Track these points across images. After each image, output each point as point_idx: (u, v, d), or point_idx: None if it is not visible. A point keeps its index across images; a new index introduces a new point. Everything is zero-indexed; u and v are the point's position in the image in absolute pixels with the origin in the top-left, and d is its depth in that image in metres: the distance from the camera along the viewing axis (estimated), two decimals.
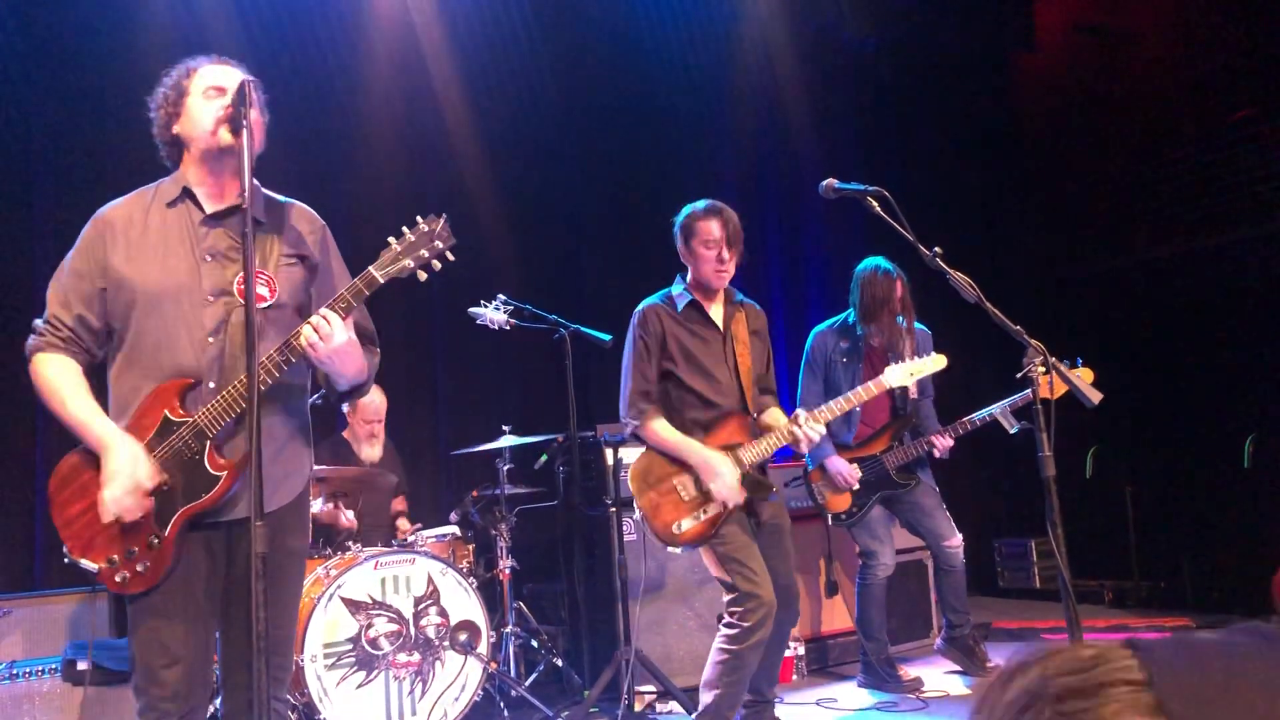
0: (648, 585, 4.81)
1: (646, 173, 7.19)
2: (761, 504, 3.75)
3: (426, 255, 2.39)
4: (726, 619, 3.56)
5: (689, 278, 3.85)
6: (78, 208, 2.60)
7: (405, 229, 2.40)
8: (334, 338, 2.33)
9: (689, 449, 3.60)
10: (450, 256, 2.42)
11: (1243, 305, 6.62)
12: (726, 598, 3.57)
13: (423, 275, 2.42)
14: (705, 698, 3.58)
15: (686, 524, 3.57)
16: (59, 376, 2.41)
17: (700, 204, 3.82)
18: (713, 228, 3.73)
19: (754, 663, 3.56)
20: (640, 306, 3.86)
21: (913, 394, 4.77)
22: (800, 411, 3.68)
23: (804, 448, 3.66)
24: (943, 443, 4.66)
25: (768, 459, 3.73)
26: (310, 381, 2.71)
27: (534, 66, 6.78)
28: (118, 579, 2.33)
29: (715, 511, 3.56)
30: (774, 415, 3.84)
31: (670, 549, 3.71)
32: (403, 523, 5.39)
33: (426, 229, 2.39)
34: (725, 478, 3.54)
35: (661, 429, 3.66)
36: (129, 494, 2.27)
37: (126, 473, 2.28)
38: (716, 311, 3.84)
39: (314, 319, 2.34)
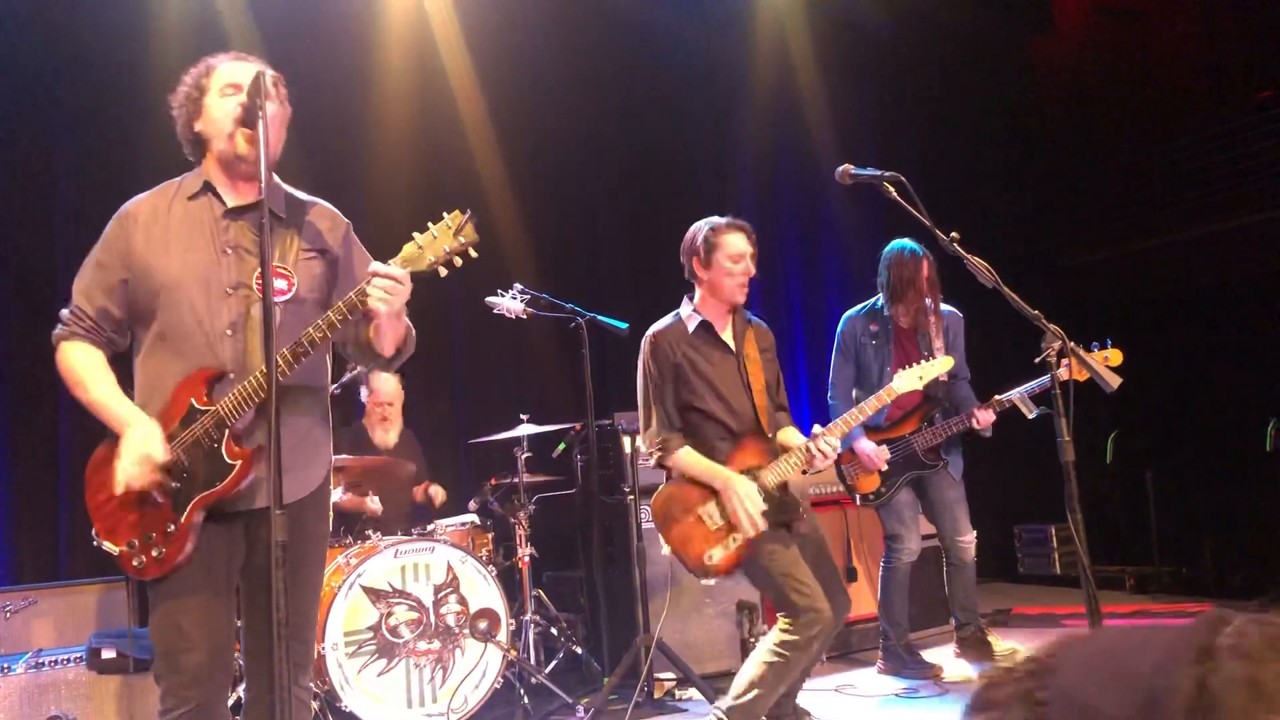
0: (666, 573, 4.82)
1: (662, 161, 7.18)
2: (795, 520, 3.68)
3: (448, 251, 2.35)
4: (784, 625, 3.48)
5: (698, 297, 3.77)
6: (99, 205, 2.63)
7: (429, 224, 2.36)
8: (403, 291, 2.34)
9: (715, 473, 3.54)
10: (473, 254, 2.37)
11: (1265, 288, 6.56)
12: (782, 613, 3.50)
13: (443, 272, 2.38)
14: (746, 695, 3.49)
15: (718, 554, 3.50)
16: (82, 363, 2.45)
17: (718, 220, 3.72)
18: (740, 242, 3.65)
19: (803, 667, 3.56)
20: (650, 333, 3.78)
21: (942, 377, 4.76)
22: (816, 427, 3.63)
23: (819, 464, 3.57)
24: (984, 416, 4.63)
25: (788, 480, 3.63)
26: (330, 372, 2.72)
27: (549, 55, 6.77)
28: (135, 563, 2.37)
29: (744, 539, 3.49)
30: (788, 435, 3.77)
31: (704, 581, 3.65)
32: (435, 490, 5.39)
33: (450, 224, 2.35)
34: (746, 504, 3.45)
35: (687, 457, 3.59)
36: (136, 464, 2.31)
37: (137, 445, 2.32)
38: (727, 332, 3.77)
39: (379, 280, 2.31)
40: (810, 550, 3.66)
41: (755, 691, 3.50)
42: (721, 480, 3.52)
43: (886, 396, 3.81)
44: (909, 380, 3.81)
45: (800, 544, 3.63)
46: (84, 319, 2.47)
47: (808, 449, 3.54)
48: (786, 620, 3.50)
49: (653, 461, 3.70)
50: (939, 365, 3.91)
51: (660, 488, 3.67)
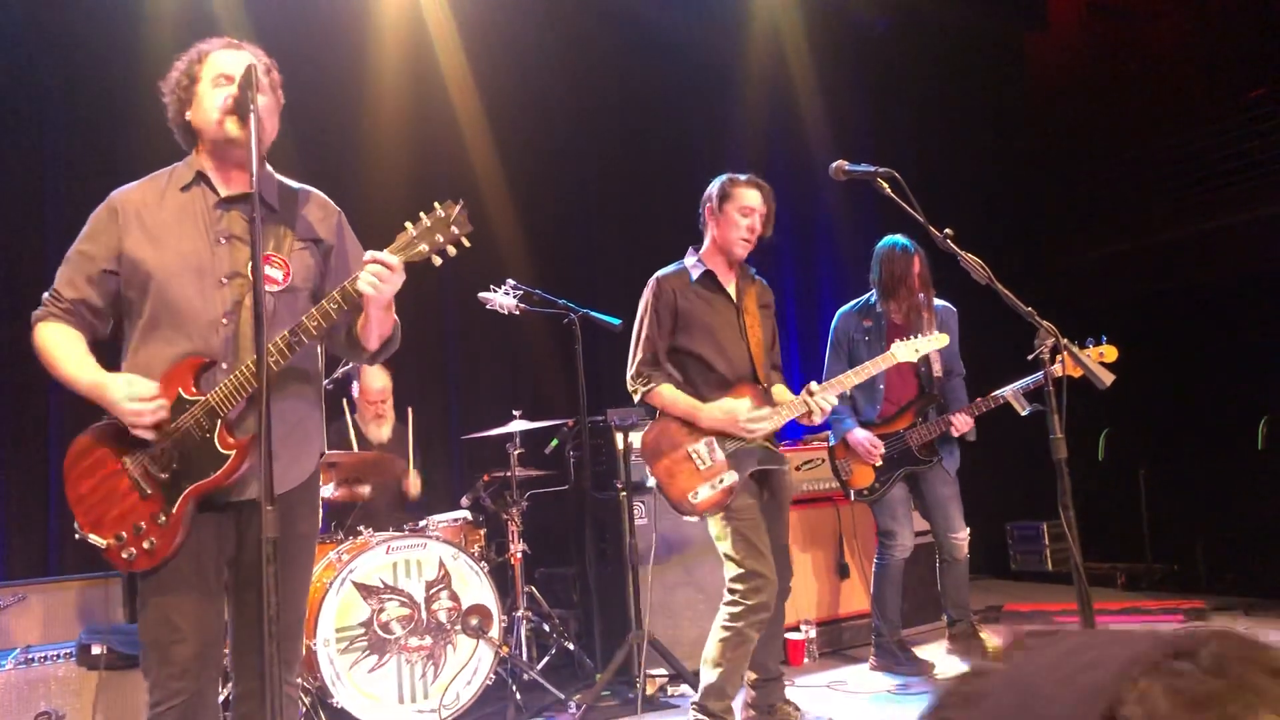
0: (658, 569, 4.81)
1: (656, 156, 7.17)
2: (773, 475, 3.78)
3: (442, 241, 2.36)
4: (729, 596, 3.58)
5: (705, 247, 3.87)
6: (89, 196, 2.61)
7: (422, 214, 2.37)
8: (395, 280, 2.34)
9: (698, 410, 3.63)
10: (466, 243, 2.39)
11: (1257, 286, 6.57)
12: (730, 573, 3.58)
13: (437, 261, 2.39)
14: (709, 675, 3.59)
15: (704, 492, 3.58)
16: (56, 341, 2.44)
17: (741, 174, 3.83)
18: (754, 198, 3.75)
19: (755, 639, 3.59)
20: (655, 276, 3.88)
21: (937, 373, 4.77)
22: (812, 384, 3.71)
23: (816, 419, 3.67)
24: (962, 420, 4.65)
25: (776, 430, 3.75)
26: (322, 363, 2.71)
27: (543, 50, 6.75)
28: (124, 555, 2.35)
29: (731, 481, 3.57)
30: (780, 391, 3.87)
31: (686, 518, 3.72)
32: (413, 479, 5.29)
33: (443, 214, 2.36)
34: (750, 417, 3.57)
35: (669, 393, 3.68)
36: (134, 397, 2.28)
37: (124, 384, 2.30)
38: (730, 284, 3.86)
39: (371, 266, 2.32)
40: (772, 512, 3.76)
41: (718, 670, 3.58)
42: (709, 416, 3.61)
43: (883, 362, 3.88)
44: (905, 351, 3.88)
45: (767, 509, 3.73)
46: (62, 301, 2.46)
47: (804, 401, 3.64)
48: (731, 586, 3.59)
49: (636, 398, 3.76)
50: (934, 341, 3.95)
51: (652, 422, 3.75)
